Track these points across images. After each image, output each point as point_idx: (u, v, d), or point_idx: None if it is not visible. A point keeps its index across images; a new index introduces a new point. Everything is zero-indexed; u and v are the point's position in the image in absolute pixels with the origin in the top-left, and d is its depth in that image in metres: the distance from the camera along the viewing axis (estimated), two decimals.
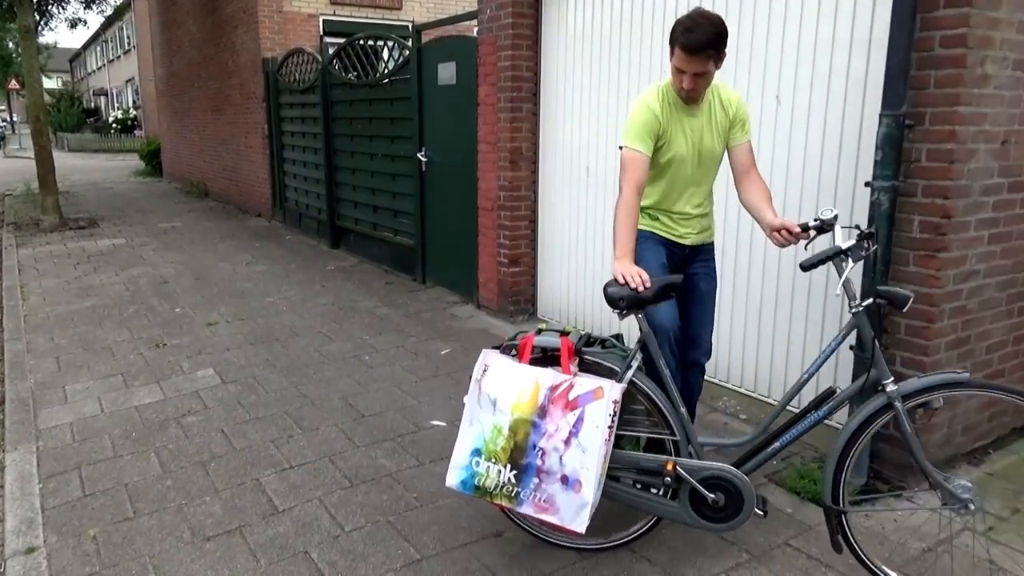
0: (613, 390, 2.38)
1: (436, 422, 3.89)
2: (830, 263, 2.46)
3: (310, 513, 3.03)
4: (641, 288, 2.46)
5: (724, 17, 3.80)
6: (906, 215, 3.01)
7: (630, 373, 2.50)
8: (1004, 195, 3.13)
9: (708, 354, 3.06)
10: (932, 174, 2.94)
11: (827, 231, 2.54)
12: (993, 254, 3.17)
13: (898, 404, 2.36)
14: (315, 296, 6.48)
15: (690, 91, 2.69)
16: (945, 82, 2.86)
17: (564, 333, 2.56)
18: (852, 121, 3.31)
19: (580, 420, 2.37)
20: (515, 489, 2.43)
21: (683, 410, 2.58)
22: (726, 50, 2.64)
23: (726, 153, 2.91)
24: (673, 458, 2.54)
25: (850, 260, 2.41)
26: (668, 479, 2.52)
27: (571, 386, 2.42)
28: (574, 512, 2.36)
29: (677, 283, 2.52)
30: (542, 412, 2.42)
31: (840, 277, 2.43)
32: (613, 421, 2.37)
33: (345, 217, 8.41)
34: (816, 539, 2.82)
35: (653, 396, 2.55)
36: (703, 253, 3.02)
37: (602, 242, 4.93)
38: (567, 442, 2.37)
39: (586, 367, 2.53)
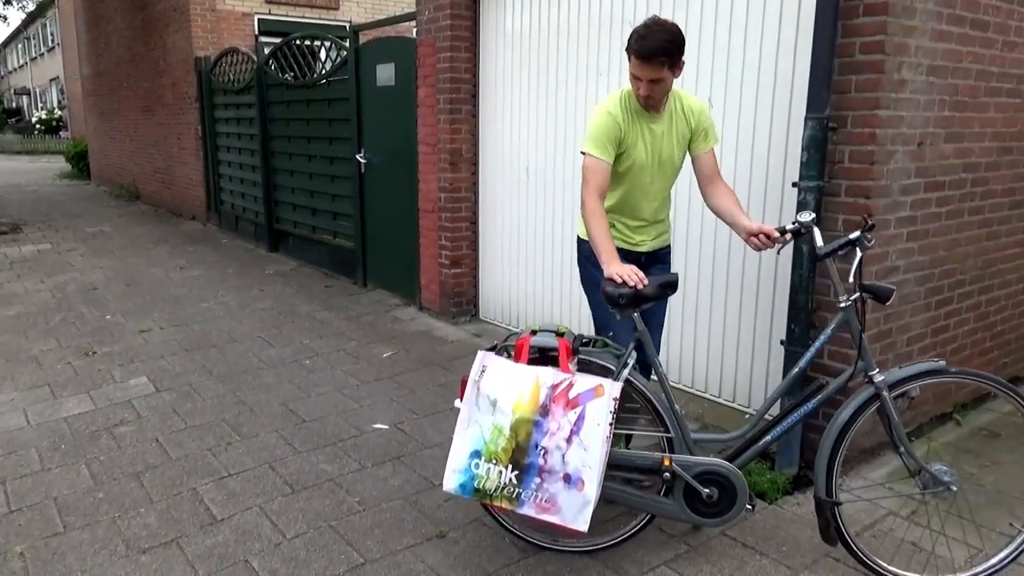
0: (613, 388, 2.40)
1: (379, 425, 3.87)
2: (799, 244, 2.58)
3: (250, 521, 2.98)
4: (641, 285, 2.50)
5: None
6: (831, 214, 3.13)
7: (626, 371, 2.54)
8: (921, 195, 3.29)
9: (656, 354, 3.14)
10: (854, 175, 3.07)
11: (804, 234, 2.64)
12: (912, 251, 3.33)
13: (885, 394, 2.47)
14: (253, 301, 6.36)
15: (647, 98, 2.71)
16: (865, 86, 2.99)
17: (559, 334, 2.58)
18: (780, 124, 3.43)
19: (581, 418, 2.38)
20: (516, 490, 2.41)
21: (677, 407, 2.63)
22: (683, 59, 2.67)
23: (690, 161, 2.94)
24: (669, 455, 2.58)
25: (858, 251, 2.51)
26: (665, 475, 2.56)
27: (571, 384, 2.43)
28: (576, 511, 2.36)
29: (674, 281, 2.60)
30: (544, 411, 2.42)
31: (852, 266, 2.50)
32: (613, 419, 2.39)
33: (284, 220, 8.27)
34: (751, 529, 2.91)
35: (648, 394, 2.60)
36: (659, 258, 3.07)
37: (543, 242, 4.98)
38: (569, 440, 2.38)
39: (582, 366, 2.55)
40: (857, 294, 2.53)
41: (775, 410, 3.00)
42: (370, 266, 6.77)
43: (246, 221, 9.26)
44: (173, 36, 10.40)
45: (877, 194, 3.07)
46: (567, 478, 2.37)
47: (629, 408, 2.69)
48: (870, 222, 2.54)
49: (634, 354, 2.59)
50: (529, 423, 2.42)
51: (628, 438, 2.83)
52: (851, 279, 2.51)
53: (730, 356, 3.81)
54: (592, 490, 2.35)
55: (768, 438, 2.63)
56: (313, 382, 4.47)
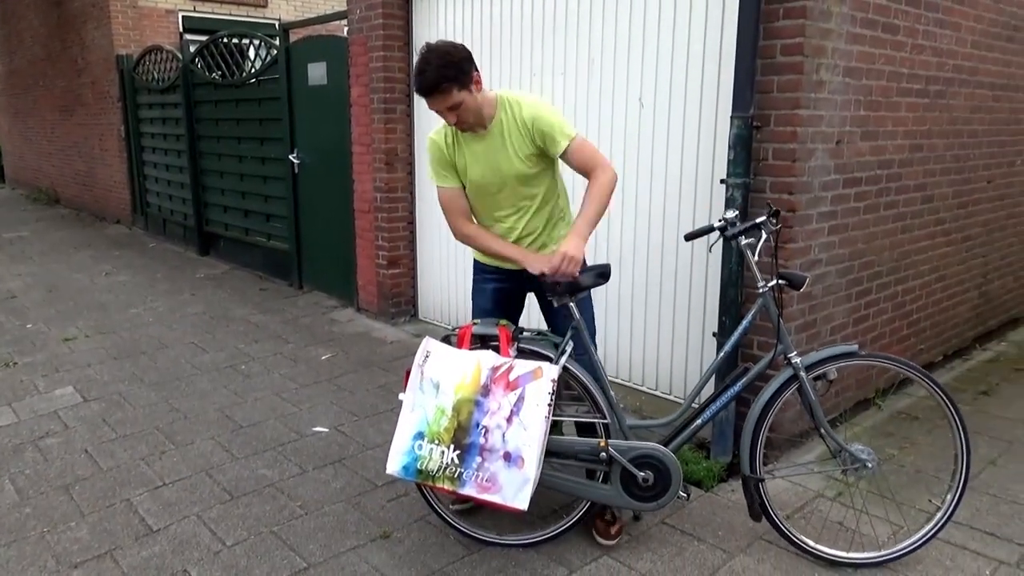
0: (551, 370, 2.50)
1: (319, 428, 3.83)
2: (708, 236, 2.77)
3: (188, 530, 2.92)
4: (575, 275, 2.60)
5: (589, 23, 3.99)
6: (757, 209, 3.25)
7: (564, 358, 2.62)
8: (840, 190, 3.45)
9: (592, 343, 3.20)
10: (778, 171, 3.20)
11: (731, 230, 2.74)
12: (833, 244, 3.48)
13: (803, 374, 2.61)
14: (184, 306, 6.19)
15: (458, 124, 2.64)
16: (786, 87, 3.12)
17: (498, 324, 2.69)
18: (708, 123, 3.54)
19: (521, 399, 2.47)
20: (458, 470, 2.48)
21: (612, 394, 2.71)
22: (475, 72, 2.57)
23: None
24: (605, 439, 2.65)
25: (763, 232, 2.66)
26: (602, 456, 2.64)
27: (511, 367, 2.52)
28: (516, 489, 2.43)
29: (607, 270, 2.68)
30: (485, 391, 2.50)
31: (758, 246, 2.68)
32: (552, 400, 2.47)
33: (214, 222, 8.07)
34: (688, 516, 3.01)
35: (585, 381, 2.68)
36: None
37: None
38: (509, 420, 2.46)
39: (522, 355, 2.64)
40: (774, 281, 2.68)
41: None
42: (306, 268, 6.67)
43: (174, 224, 8.99)
44: (92, 33, 10.01)
45: (799, 190, 3.20)
46: (507, 456, 2.45)
47: (567, 395, 2.76)
48: (775, 208, 2.72)
49: (571, 342, 2.67)
50: (471, 403, 2.50)
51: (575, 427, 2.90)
52: (755, 257, 2.67)
53: (665, 349, 3.92)
54: (532, 469, 2.42)
55: (699, 422, 2.75)
56: (250, 387, 4.39)
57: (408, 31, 5.27)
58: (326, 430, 3.82)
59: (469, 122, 2.65)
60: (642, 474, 2.64)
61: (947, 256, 4.44)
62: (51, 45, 11.61)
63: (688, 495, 2.81)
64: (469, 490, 2.47)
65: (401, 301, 5.66)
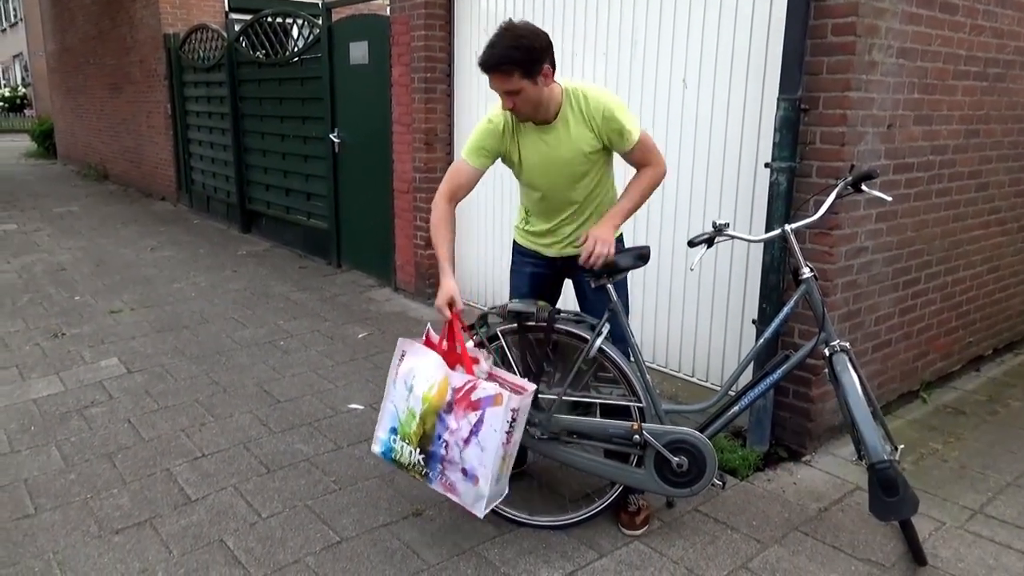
0: (511, 400, 2.41)
1: (354, 405, 3.87)
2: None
3: (225, 501, 2.97)
4: (448, 313, 2.59)
5: (633, 2, 3.91)
6: (803, 194, 3.17)
7: (600, 340, 2.60)
8: (890, 176, 3.34)
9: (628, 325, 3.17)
10: (825, 155, 3.10)
11: (722, 234, 2.70)
12: (880, 231, 3.38)
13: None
14: (226, 282, 6.29)
15: (513, 111, 2.52)
16: (836, 68, 3.02)
17: (515, 313, 2.68)
18: (753, 105, 3.45)
19: (480, 421, 2.44)
20: (424, 469, 2.57)
21: (648, 377, 2.67)
22: (547, 65, 2.44)
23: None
24: (639, 422, 2.63)
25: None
26: (636, 439, 2.61)
27: (474, 387, 2.49)
28: (473, 499, 2.49)
29: (647, 252, 2.66)
30: (448, 407, 2.51)
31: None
32: (512, 428, 2.44)
33: (256, 200, 8.18)
34: (722, 505, 2.97)
35: (620, 364, 2.64)
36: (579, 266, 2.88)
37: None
38: (467, 441, 2.46)
39: (558, 335, 2.67)
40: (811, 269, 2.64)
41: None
42: (344, 247, 6.72)
43: (218, 201, 9.13)
44: (141, 12, 10.17)
45: (847, 174, 3.10)
46: (464, 472, 2.49)
47: (602, 378, 2.73)
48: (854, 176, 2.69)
49: (607, 325, 2.64)
50: (434, 416, 2.52)
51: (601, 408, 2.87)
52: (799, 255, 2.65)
53: (703, 336, 3.86)
54: (486, 487, 2.44)
55: (736, 408, 2.69)
56: (287, 363, 4.45)
57: (450, 10, 5.24)
58: (361, 407, 3.85)
59: (525, 113, 2.53)
60: (676, 459, 2.60)
61: (1001, 246, 4.28)
62: (101, 23, 11.83)
63: (723, 483, 2.77)
64: (436, 487, 2.57)
65: (438, 281, 5.66)
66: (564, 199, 2.74)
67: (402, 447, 2.62)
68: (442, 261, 2.70)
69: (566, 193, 2.72)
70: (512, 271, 3.04)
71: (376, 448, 2.72)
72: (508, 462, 2.51)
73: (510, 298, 2.87)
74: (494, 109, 2.66)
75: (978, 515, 2.91)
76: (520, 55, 2.38)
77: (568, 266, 2.87)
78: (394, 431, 2.64)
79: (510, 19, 2.47)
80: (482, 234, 5.35)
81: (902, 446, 2.69)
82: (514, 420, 2.44)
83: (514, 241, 3.02)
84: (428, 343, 2.69)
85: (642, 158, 2.65)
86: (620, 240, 2.81)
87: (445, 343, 2.65)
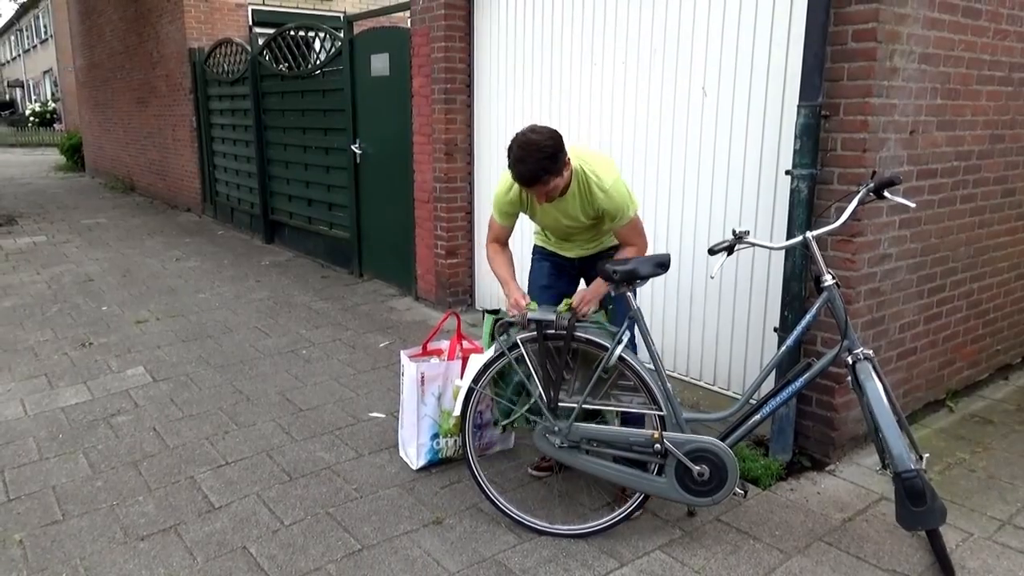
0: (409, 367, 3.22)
1: (375, 414, 3.89)
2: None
3: (248, 508, 3.00)
4: (516, 315, 2.76)
5: (652, 10, 3.92)
6: (824, 201, 3.15)
7: (620, 348, 2.61)
8: (913, 182, 3.31)
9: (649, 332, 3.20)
10: (847, 162, 3.08)
11: (743, 241, 2.70)
12: (904, 238, 3.35)
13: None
14: (249, 292, 6.37)
15: (545, 198, 2.72)
16: (857, 74, 3.00)
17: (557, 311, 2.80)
18: (773, 112, 3.43)
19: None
20: (461, 449, 3.07)
21: (668, 385, 2.67)
22: (566, 157, 2.65)
23: None
24: (660, 431, 2.62)
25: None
26: (656, 453, 2.61)
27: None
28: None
29: (667, 260, 2.68)
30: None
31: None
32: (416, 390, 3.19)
33: (279, 211, 8.27)
34: (744, 514, 2.94)
35: (640, 372, 2.65)
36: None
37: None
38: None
39: (578, 343, 2.72)
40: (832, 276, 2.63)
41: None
42: (366, 256, 6.77)
43: (241, 212, 9.25)
44: (167, 27, 10.35)
45: (868, 181, 3.07)
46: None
47: (622, 386, 2.73)
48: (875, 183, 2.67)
49: (627, 332, 2.64)
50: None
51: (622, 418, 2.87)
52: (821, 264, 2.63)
53: (724, 344, 3.84)
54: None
55: (758, 417, 2.67)
56: (310, 371, 4.49)
57: (469, 21, 5.28)
58: (382, 416, 3.87)
59: (552, 197, 2.74)
60: (698, 468, 2.59)
61: None
62: (128, 39, 12.07)
63: (745, 492, 2.75)
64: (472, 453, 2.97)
65: (459, 290, 5.70)
66: (578, 237, 3.03)
67: (446, 444, 3.27)
68: (505, 281, 2.96)
69: (579, 235, 3.01)
70: (532, 271, 3.23)
71: (420, 462, 3.24)
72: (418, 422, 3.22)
73: (528, 291, 2.96)
74: (508, 178, 2.82)
75: (1007, 526, 2.86)
76: (550, 163, 2.60)
77: (585, 266, 3.08)
78: (435, 436, 3.24)
79: (523, 131, 2.63)
80: None
81: (927, 455, 2.65)
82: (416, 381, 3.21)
83: (534, 244, 3.22)
84: (425, 352, 3.38)
85: (626, 237, 2.88)
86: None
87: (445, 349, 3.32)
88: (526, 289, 3.12)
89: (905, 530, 2.66)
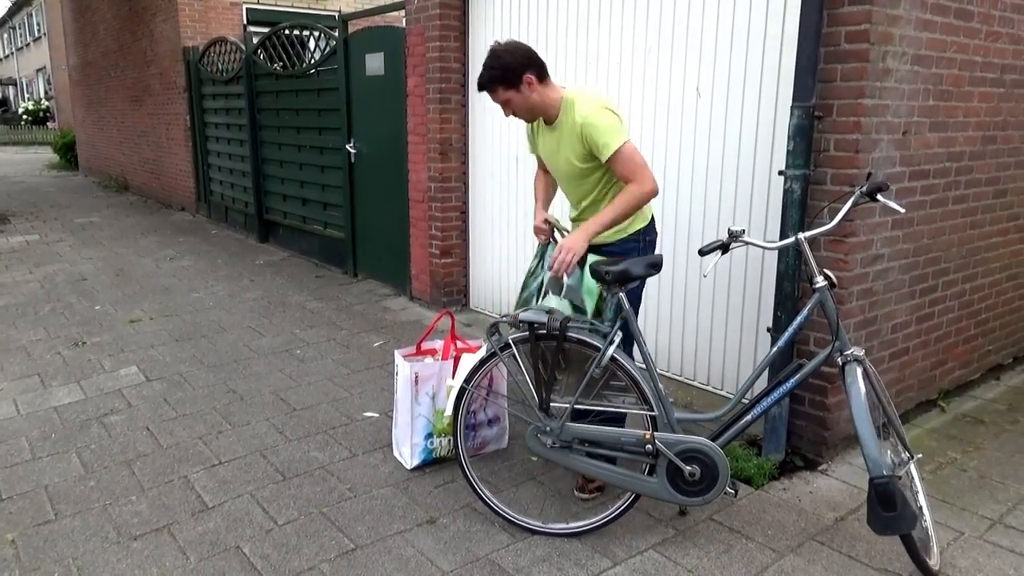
0: (403, 367, 3.25)
1: (369, 413, 3.89)
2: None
3: (241, 508, 3.00)
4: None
5: (647, 10, 3.93)
6: (816, 202, 3.16)
7: (612, 348, 2.61)
8: (905, 183, 3.32)
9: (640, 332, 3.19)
10: (840, 163, 3.09)
11: (737, 239, 2.69)
12: (896, 239, 3.36)
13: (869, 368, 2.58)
14: (243, 291, 6.36)
15: (512, 115, 2.85)
16: (850, 75, 3.01)
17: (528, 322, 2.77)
18: (767, 113, 3.45)
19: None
20: (453, 449, 3.03)
21: (660, 385, 2.68)
22: (528, 75, 2.72)
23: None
24: (651, 431, 2.63)
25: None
26: (647, 453, 2.62)
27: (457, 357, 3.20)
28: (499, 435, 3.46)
29: (659, 261, 2.69)
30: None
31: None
32: (410, 389, 3.21)
33: (273, 210, 8.26)
34: (737, 514, 2.95)
35: (632, 371, 2.65)
36: (603, 253, 2.93)
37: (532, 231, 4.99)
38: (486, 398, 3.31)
39: (570, 343, 2.69)
40: (823, 277, 2.62)
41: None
42: (360, 256, 6.77)
43: (236, 211, 9.23)
44: (161, 25, 10.33)
45: (861, 182, 3.09)
46: (489, 422, 3.41)
47: (614, 386, 2.73)
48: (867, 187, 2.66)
49: (619, 332, 2.64)
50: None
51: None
52: (812, 263, 2.62)
53: (718, 344, 3.85)
54: (505, 422, 3.45)
55: (749, 417, 2.67)
56: (304, 371, 4.49)
57: (464, 21, 5.29)
58: (376, 415, 3.87)
59: (522, 117, 2.86)
60: (689, 468, 2.60)
61: (1021, 253, 4.24)
62: (122, 37, 12.03)
63: (736, 491, 2.76)
64: (464, 453, 2.98)
65: (453, 290, 5.70)
66: (575, 191, 2.98)
67: (440, 443, 3.27)
68: (536, 200, 3.14)
69: (575, 186, 2.96)
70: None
71: (414, 462, 3.25)
72: (412, 418, 3.23)
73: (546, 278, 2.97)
74: None
75: (997, 525, 2.87)
76: (498, 72, 2.72)
77: (581, 265, 3.01)
78: (429, 436, 3.25)
79: (496, 40, 2.78)
80: (494, 246, 5.37)
81: (919, 455, 2.66)
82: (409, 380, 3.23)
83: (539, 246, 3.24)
84: (419, 352, 3.39)
85: (623, 173, 2.76)
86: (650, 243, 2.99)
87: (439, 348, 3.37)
88: (544, 267, 3.05)
89: (876, 534, 2.67)
